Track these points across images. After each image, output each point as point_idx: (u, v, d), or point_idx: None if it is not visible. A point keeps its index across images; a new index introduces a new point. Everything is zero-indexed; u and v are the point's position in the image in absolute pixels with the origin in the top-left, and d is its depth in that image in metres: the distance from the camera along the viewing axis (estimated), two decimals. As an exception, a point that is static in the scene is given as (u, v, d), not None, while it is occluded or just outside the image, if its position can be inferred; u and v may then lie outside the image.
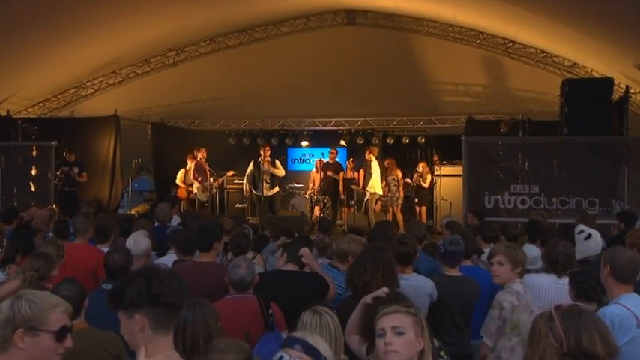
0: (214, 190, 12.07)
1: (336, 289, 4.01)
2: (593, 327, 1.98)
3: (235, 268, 3.49)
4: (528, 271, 4.23)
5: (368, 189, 11.58)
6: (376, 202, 11.83)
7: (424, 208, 12.34)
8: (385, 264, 3.44)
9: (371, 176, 11.59)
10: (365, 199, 11.72)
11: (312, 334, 2.04)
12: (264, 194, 11.17)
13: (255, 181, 11.29)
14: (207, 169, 11.88)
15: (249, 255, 5.09)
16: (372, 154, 11.86)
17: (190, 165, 11.96)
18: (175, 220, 6.83)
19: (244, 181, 11.79)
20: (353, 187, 12.20)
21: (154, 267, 2.20)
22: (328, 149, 12.75)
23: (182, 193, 12.01)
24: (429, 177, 12.35)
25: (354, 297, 3.61)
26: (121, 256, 3.77)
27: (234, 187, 13.65)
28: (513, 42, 12.90)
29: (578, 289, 3.39)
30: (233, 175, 12.67)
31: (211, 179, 11.77)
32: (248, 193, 11.92)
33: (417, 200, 12.41)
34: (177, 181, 12.20)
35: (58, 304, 2.00)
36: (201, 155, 11.80)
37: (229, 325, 3.13)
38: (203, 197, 11.91)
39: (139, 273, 2.07)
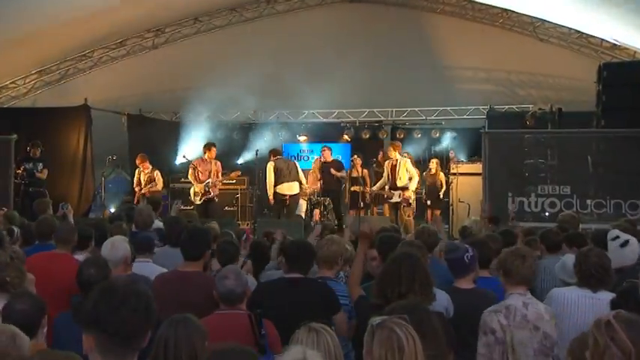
0: (212, 194, 11.83)
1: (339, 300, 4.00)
2: None
3: (223, 280, 3.47)
4: (569, 284, 4.22)
5: (410, 190, 11.01)
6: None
7: (437, 212, 12.32)
8: (422, 274, 3.42)
9: (408, 176, 11.12)
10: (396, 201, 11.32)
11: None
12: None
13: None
14: (210, 170, 11.64)
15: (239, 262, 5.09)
16: (397, 151, 11.23)
17: (141, 166, 11.57)
18: (157, 225, 6.82)
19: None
20: (356, 188, 12.06)
21: (113, 284, 2.18)
22: (328, 145, 12.73)
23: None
24: (441, 176, 12.33)
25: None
26: (98, 270, 3.72)
27: (222, 187, 13.64)
28: (543, 21, 12.90)
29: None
30: (239, 176, 12.64)
31: (209, 180, 11.56)
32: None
33: (428, 202, 12.37)
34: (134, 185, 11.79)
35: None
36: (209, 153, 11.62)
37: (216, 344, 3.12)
38: (197, 200, 11.81)
39: (97, 288, 2.09)
